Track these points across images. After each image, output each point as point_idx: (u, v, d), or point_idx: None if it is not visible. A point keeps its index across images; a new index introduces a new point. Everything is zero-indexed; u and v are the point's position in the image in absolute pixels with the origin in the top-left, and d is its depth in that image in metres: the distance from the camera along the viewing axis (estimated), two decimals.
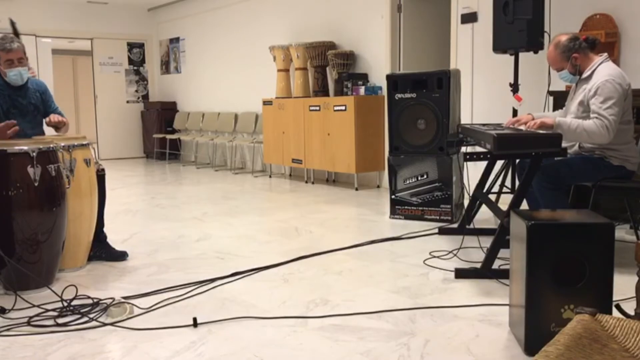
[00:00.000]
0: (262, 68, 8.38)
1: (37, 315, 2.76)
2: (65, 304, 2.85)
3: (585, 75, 3.47)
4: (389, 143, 5.02)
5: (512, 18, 4.47)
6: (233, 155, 9.24)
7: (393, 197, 4.90)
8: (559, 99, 4.53)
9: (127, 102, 11.08)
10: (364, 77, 6.64)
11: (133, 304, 2.84)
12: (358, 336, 2.48)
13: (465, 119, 5.61)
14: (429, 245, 4.00)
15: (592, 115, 3.28)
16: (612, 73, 3.30)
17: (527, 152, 3.13)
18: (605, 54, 3.49)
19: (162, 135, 10.31)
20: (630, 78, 3.45)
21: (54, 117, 3.76)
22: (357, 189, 6.54)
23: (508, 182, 4.60)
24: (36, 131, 3.76)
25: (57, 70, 12.32)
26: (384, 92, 6.25)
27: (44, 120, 3.84)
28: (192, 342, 2.45)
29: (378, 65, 6.58)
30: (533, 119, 3.57)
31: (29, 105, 3.71)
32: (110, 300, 2.85)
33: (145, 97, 11.26)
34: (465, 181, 5.02)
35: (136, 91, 11.19)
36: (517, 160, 3.90)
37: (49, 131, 3.88)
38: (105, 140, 10.85)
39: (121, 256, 3.77)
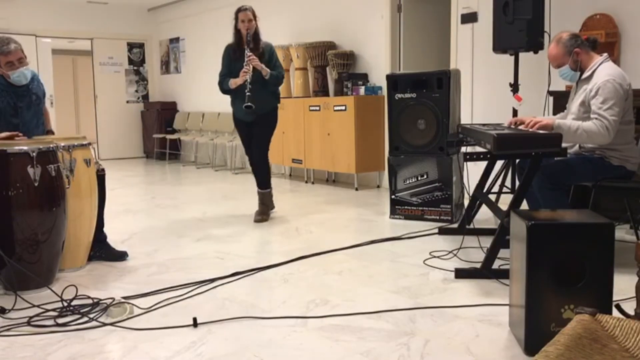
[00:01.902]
0: None
1: (37, 315, 2.76)
2: (65, 304, 2.85)
3: (585, 75, 3.47)
4: (389, 143, 5.02)
5: (512, 18, 4.47)
6: (233, 155, 9.23)
7: (393, 197, 4.90)
8: (559, 99, 4.52)
9: (127, 102, 11.08)
10: (364, 77, 6.64)
11: (133, 304, 2.84)
12: (358, 336, 2.48)
13: (465, 119, 5.61)
14: (429, 245, 4.00)
15: (592, 116, 3.28)
16: (612, 73, 3.30)
17: (527, 152, 3.13)
18: (606, 54, 3.49)
19: (162, 135, 10.31)
20: (631, 78, 3.44)
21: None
22: (357, 189, 6.54)
23: (508, 182, 4.60)
24: (40, 120, 3.84)
25: (57, 70, 12.31)
26: (384, 92, 6.25)
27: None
28: (192, 342, 2.44)
29: (378, 65, 6.57)
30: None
31: (31, 96, 3.78)
32: (110, 300, 2.85)
33: (145, 97, 11.25)
34: (465, 181, 5.02)
35: (136, 91, 11.19)
36: (517, 160, 3.89)
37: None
38: (105, 140, 10.85)
39: (121, 256, 3.78)
